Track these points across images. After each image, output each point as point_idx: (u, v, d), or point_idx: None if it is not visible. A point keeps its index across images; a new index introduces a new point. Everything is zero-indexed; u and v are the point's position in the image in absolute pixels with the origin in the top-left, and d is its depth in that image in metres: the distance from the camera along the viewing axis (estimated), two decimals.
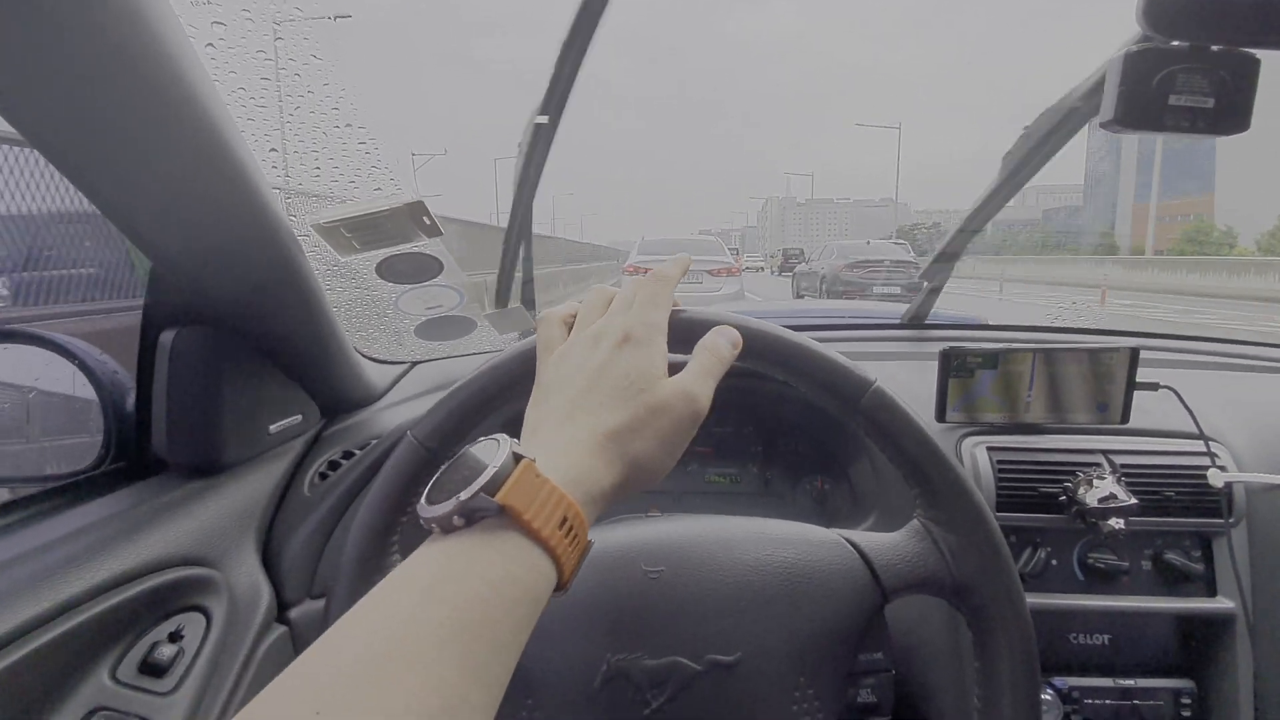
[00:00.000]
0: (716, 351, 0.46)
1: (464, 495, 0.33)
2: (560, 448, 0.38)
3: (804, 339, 0.51)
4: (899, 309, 1.34)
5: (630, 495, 0.41)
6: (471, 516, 0.33)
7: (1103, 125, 0.55)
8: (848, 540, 0.54)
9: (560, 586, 0.35)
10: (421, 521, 0.34)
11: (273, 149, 0.62)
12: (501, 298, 1.10)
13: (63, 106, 0.44)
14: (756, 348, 0.50)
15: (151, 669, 0.58)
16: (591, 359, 0.42)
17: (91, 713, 0.53)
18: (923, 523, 0.53)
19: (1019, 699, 0.50)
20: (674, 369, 0.44)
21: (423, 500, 0.35)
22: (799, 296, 14.48)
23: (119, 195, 0.52)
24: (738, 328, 0.50)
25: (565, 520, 0.35)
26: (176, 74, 0.46)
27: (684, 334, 0.48)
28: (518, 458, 0.35)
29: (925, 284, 1.26)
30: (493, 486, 0.33)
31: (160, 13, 0.43)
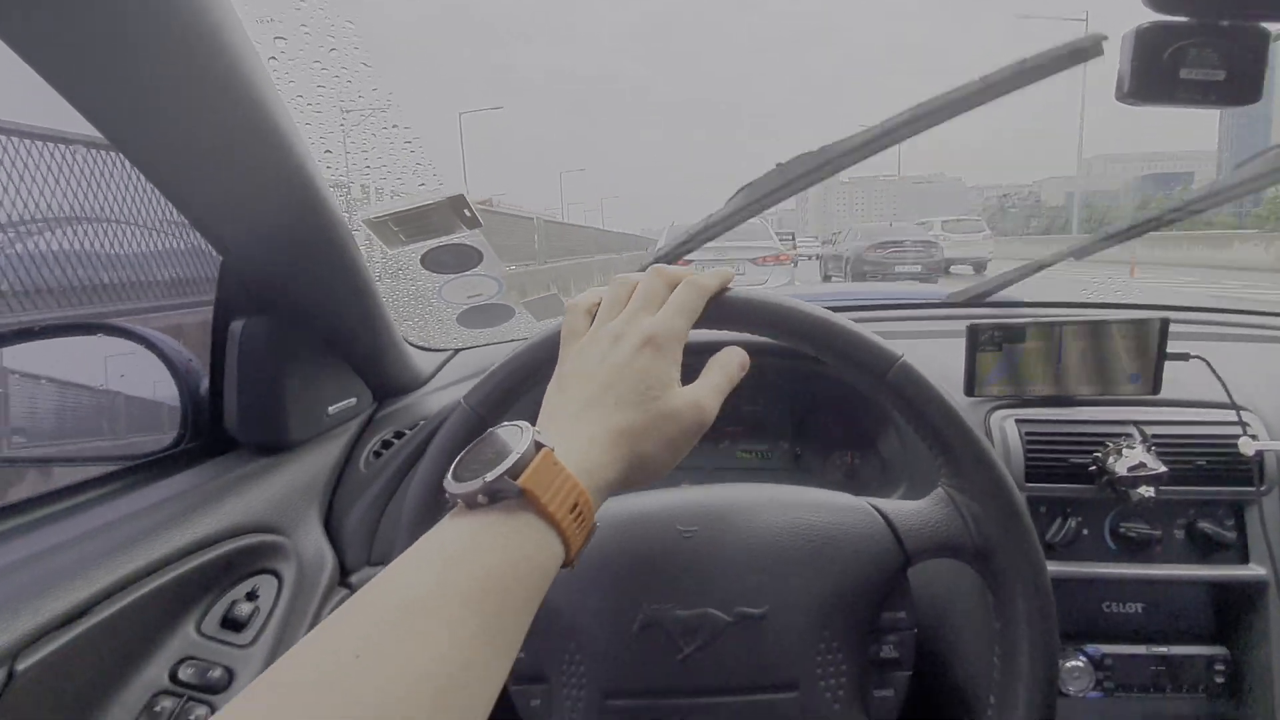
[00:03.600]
0: (727, 370, 0.49)
1: (490, 476, 0.36)
2: (575, 438, 0.41)
3: (833, 315, 0.53)
4: (942, 289, 1.35)
5: (631, 489, 0.44)
6: (495, 496, 0.36)
7: (1117, 99, 0.57)
8: (873, 506, 0.57)
9: (567, 563, 0.39)
10: (447, 496, 0.38)
11: (328, 150, 0.67)
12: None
13: (148, 117, 0.49)
14: (788, 325, 0.52)
15: (232, 624, 0.63)
16: (611, 357, 0.45)
17: (181, 661, 0.59)
18: (947, 490, 0.55)
19: (1035, 656, 0.52)
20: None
21: (449, 477, 0.38)
22: (826, 278, 14.66)
23: (195, 196, 0.58)
24: (770, 305, 0.52)
25: (576, 506, 0.38)
26: (248, 85, 0.51)
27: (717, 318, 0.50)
28: (539, 445, 0.38)
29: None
30: (515, 470, 0.36)
31: (234, 29, 0.48)
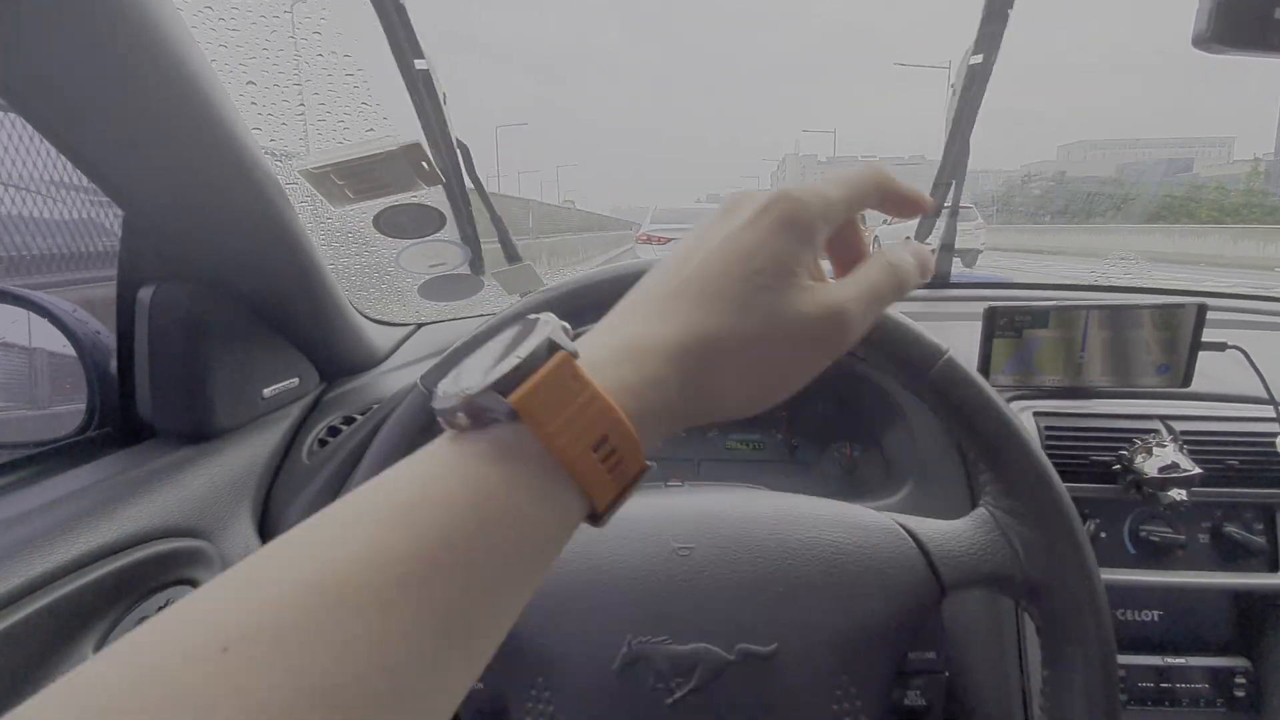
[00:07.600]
0: (898, 273, 0.31)
1: (474, 388, 0.25)
2: (627, 345, 0.27)
3: None
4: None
5: (701, 420, 0.29)
6: (480, 417, 0.25)
7: (1195, 45, 0.48)
8: (903, 526, 0.49)
9: (595, 519, 0.26)
10: (437, 416, 0.26)
11: (250, 81, 0.56)
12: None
13: (14, 38, 0.38)
14: None
15: None
16: (716, 231, 0.30)
17: None
18: (991, 512, 0.48)
19: (1095, 715, 0.45)
20: None
21: (445, 382, 0.26)
22: None
23: (80, 134, 0.47)
24: None
25: (606, 440, 0.25)
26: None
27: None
28: (555, 347, 0.26)
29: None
30: (511, 382, 0.25)
31: None
